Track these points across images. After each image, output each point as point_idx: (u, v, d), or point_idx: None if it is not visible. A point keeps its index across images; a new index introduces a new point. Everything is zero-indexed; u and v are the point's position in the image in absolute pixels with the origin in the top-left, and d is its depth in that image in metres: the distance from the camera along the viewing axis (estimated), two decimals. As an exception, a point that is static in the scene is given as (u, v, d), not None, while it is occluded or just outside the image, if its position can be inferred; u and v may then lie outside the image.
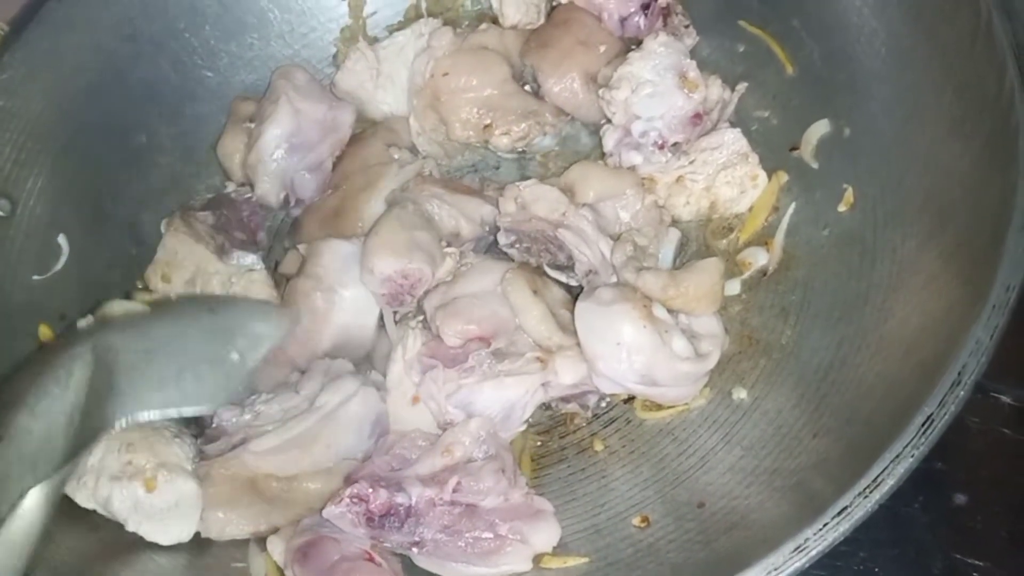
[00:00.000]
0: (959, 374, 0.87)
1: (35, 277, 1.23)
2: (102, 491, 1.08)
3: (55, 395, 0.94)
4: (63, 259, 1.26)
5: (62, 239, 1.27)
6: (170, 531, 1.09)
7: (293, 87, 1.36)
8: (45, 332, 1.22)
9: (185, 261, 1.30)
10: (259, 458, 1.11)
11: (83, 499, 1.09)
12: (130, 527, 1.08)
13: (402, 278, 1.19)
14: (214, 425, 1.16)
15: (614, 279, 1.18)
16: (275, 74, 1.39)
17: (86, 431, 0.94)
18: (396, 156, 1.35)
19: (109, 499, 1.08)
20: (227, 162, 1.39)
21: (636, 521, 1.07)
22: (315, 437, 1.11)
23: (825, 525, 0.83)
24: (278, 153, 1.34)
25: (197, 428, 1.18)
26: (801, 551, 0.83)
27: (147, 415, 0.99)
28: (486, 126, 1.35)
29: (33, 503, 0.87)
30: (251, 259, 1.31)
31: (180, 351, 1.04)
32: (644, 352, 1.08)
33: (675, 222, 1.28)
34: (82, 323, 1.19)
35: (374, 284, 1.20)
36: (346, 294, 1.22)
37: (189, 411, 1.03)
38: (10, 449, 0.90)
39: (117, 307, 1.22)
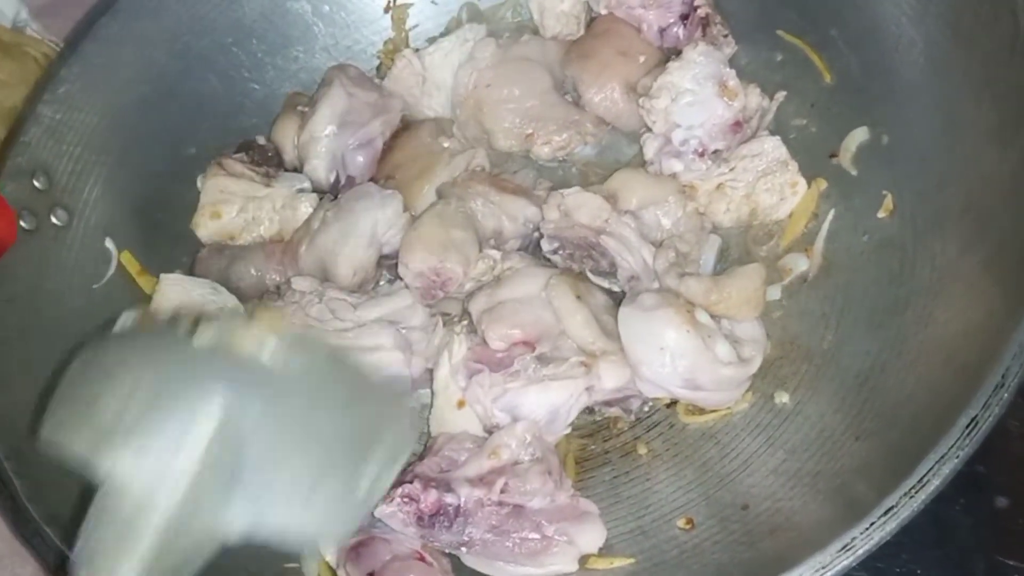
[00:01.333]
0: (1002, 377, 0.88)
1: (93, 286, 1.26)
2: None
3: (162, 452, 0.73)
4: (113, 265, 1.29)
5: (109, 243, 1.29)
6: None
7: (347, 76, 1.40)
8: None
9: (232, 196, 1.34)
10: None
11: None
12: None
13: (434, 275, 1.23)
14: (292, 287, 1.22)
15: (656, 285, 1.20)
16: (329, 69, 1.43)
17: (193, 524, 0.73)
18: (446, 145, 1.37)
19: None
20: (282, 143, 1.42)
21: (681, 523, 1.09)
22: None
23: (872, 525, 0.85)
24: (330, 129, 1.35)
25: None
26: (848, 550, 0.85)
27: (267, 532, 0.75)
28: (528, 136, 1.37)
29: None
30: (300, 179, 1.36)
31: (317, 454, 0.78)
32: (687, 356, 1.10)
33: (715, 229, 1.30)
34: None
35: (409, 277, 1.24)
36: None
37: (303, 544, 0.84)
38: (104, 510, 0.73)
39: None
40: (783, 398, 1.15)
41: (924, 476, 0.85)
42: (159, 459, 0.73)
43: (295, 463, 0.77)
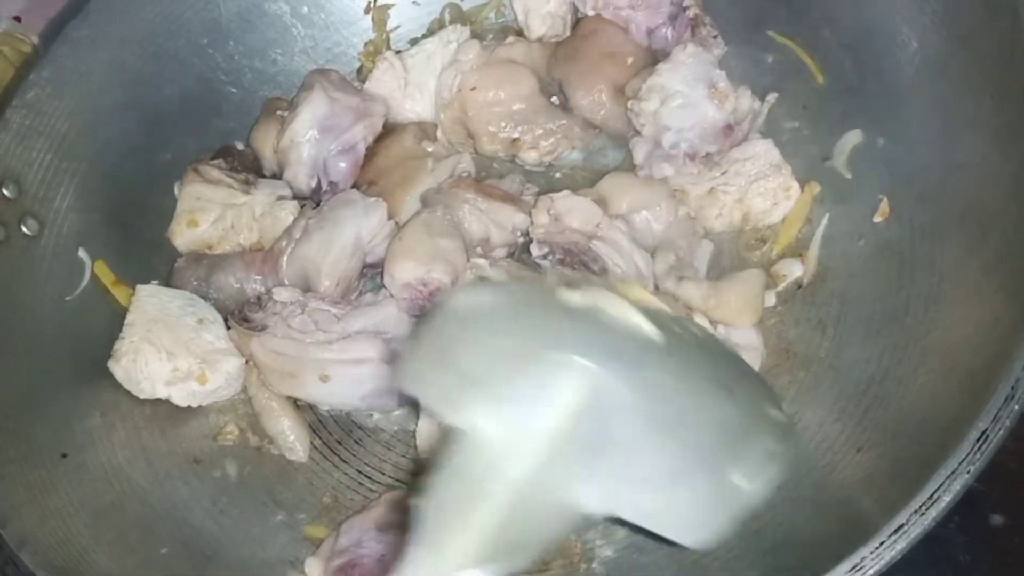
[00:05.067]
0: (1012, 388, 0.85)
1: (66, 298, 1.22)
2: (160, 392, 1.19)
3: (517, 418, 0.67)
4: (87, 276, 1.25)
5: (83, 253, 1.25)
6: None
7: (328, 80, 1.36)
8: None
9: (209, 204, 1.30)
10: (263, 350, 1.17)
11: (144, 395, 1.19)
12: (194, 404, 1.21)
13: (421, 285, 1.19)
14: (273, 298, 1.20)
15: (649, 290, 1.17)
16: (309, 73, 1.40)
17: (537, 492, 0.66)
18: (430, 149, 1.34)
19: (170, 396, 1.19)
20: (261, 149, 1.38)
21: (677, 538, 1.06)
22: (310, 371, 1.15)
23: (882, 544, 0.82)
24: (311, 134, 1.32)
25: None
26: (858, 570, 0.82)
27: (631, 508, 0.68)
28: (514, 140, 1.34)
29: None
30: (280, 186, 1.33)
31: (689, 443, 0.69)
32: (683, 362, 1.07)
33: (707, 234, 1.27)
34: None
35: (395, 288, 1.20)
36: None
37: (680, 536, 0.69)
38: (452, 472, 0.67)
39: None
40: (780, 408, 1.12)
41: (934, 493, 0.83)
42: (521, 419, 0.67)
43: (663, 450, 0.68)
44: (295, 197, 1.33)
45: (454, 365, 0.70)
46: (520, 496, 0.66)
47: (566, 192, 1.23)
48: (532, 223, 1.24)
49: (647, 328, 0.71)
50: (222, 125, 1.42)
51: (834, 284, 1.19)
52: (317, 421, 1.24)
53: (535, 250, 1.23)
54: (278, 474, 1.20)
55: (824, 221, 1.23)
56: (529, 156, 1.34)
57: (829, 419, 1.08)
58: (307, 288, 1.23)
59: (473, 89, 1.34)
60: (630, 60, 1.34)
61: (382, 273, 1.24)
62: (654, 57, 1.34)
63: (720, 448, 0.71)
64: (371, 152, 1.36)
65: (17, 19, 1.52)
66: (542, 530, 0.68)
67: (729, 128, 1.26)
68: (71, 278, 1.24)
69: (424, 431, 1.15)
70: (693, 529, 0.70)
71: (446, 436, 0.69)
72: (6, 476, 1.04)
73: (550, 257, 1.23)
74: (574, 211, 1.21)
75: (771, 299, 1.21)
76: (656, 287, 1.17)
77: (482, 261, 1.22)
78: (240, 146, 1.40)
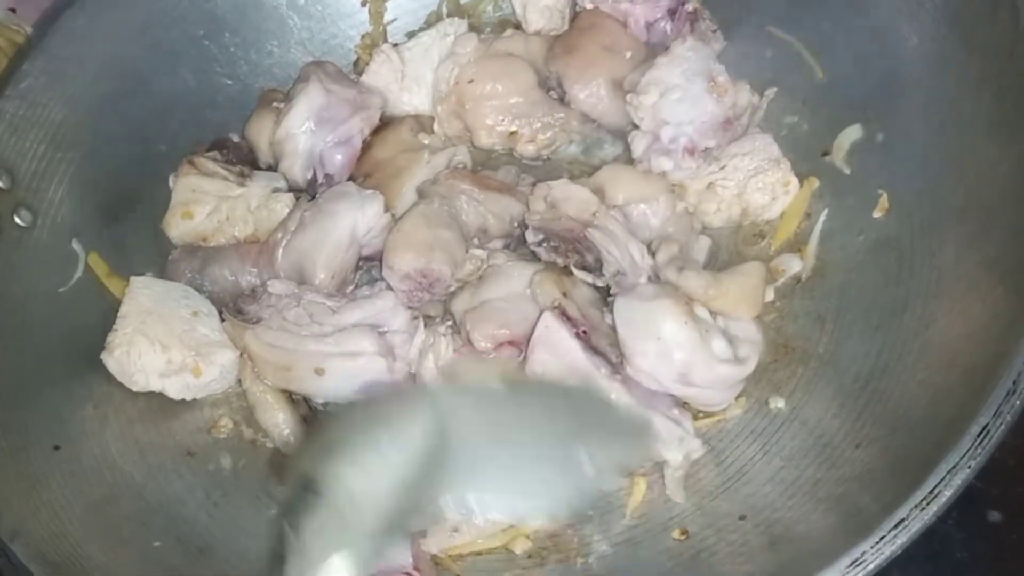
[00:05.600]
0: (1014, 383, 0.85)
1: (60, 290, 1.21)
2: (154, 385, 1.18)
3: (384, 452, 0.86)
4: (80, 267, 1.24)
5: (76, 244, 1.24)
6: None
7: (324, 72, 1.35)
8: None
9: (204, 196, 1.30)
10: (257, 343, 1.16)
11: (138, 388, 1.18)
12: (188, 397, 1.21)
13: (421, 277, 1.19)
14: (268, 291, 1.20)
15: (642, 281, 1.16)
16: (305, 66, 1.39)
17: (410, 503, 0.85)
18: (426, 142, 1.34)
19: (164, 389, 1.19)
20: (256, 141, 1.37)
21: (675, 534, 1.06)
22: (306, 364, 1.15)
23: (882, 538, 0.82)
24: (307, 126, 1.31)
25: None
26: (858, 564, 0.81)
27: (477, 505, 0.89)
28: (511, 133, 1.34)
29: (337, 570, 0.81)
30: (275, 178, 1.32)
31: (526, 438, 0.92)
32: (683, 349, 1.07)
33: (705, 229, 1.27)
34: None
35: (394, 280, 1.20)
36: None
37: (524, 517, 0.98)
38: (323, 504, 0.83)
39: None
40: (778, 403, 1.12)
41: (935, 487, 0.82)
42: (374, 463, 0.85)
43: (504, 444, 0.90)
44: (291, 189, 1.33)
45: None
46: (385, 513, 0.84)
47: (563, 180, 1.22)
48: (529, 210, 1.23)
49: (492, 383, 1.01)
50: (217, 117, 1.41)
51: (833, 279, 1.19)
52: (312, 414, 1.23)
53: (530, 237, 1.22)
54: (272, 467, 1.19)
55: (823, 216, 1.23)
56: (527, 150, 1.34)
57: (828, 415, 1.08)
58: (302, 281, 1.22)
59: (471, 82, 1.34)
60: (628, 54, 1.33)
61: (378, 266, 1.23)
62: (652, 51, 1.33)
63: (557, 441, 0.92)
64: (367, 144, 1.36)
65: (12, 10, 1.51)
66: (414, 521, 0.93)
67: (728, 122, 1.25)
68: (65, 269, 1.23)
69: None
70: (547, 511, 0.96)
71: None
72: (-2, 468, 1.03)
73: (545, 244, 1.22)
74: (571, 199, 1.20)
75: (770, 294, 1.20)
76: (656, 277, 1.16)
77: (481, 252, 1.21)
78: (236, 138, 1.39)
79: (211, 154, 1.33)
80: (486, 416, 0.93)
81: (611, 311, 1.14)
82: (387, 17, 1.48)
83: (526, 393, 1.03)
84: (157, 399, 1.19)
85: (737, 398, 1.14)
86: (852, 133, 1.23)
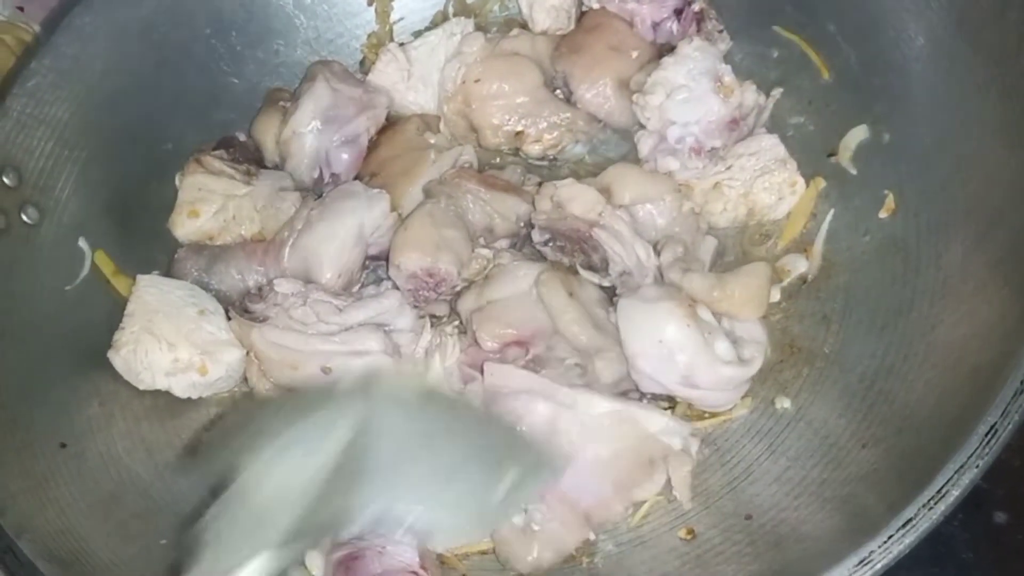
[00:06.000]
0: (1021, 383, 0.85)
1: (66, 288, 1.21)
2: (160, 383, 1.18)
3: (298, 456, 0.86)
4: (87, 266, 1.24)
5: (83, 242, 1.24)
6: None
7: (330, 71, 1.36)
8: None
9: (210, 194, 1.30)
10: (263, 342, 1.16)
11: (144, 386, 1.19)
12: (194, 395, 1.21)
13: (428, 276, 1.19)
14: (274, 289, 1.20)
15: (648, 281, 1.16)
16: (312, 65, 1.39)
17: (322, 510, 0.85)
18: (432, 141, 1.34)
19: (170, 387, 1.19)
20: (263, 139, 1.37)
21: (681, 533, 1.06)
22: (312, 363, 1.15)
23: (890, 538, 0.82)
24: (313, 125, 1.32)
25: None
26: (866, 564, 0.82)
27: (393, 518, 0.89)
28: (518, 133, 1.34)
29: (248, 571, 0.81)
30: (282, 177, 1.32)
31: (448, 457, 0.93)
32: (686, 351, 1.07)
33: (711, 229, 1.26)
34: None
35: (400, 279, 1.20)
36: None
37: (433, 533, 0.97)
38: (237, 502, 0.83)
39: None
40: (784, 403, 1.12)
41: (943, 487, 0.82)
42: (294, 461, 0.86)
43: (422, 466, 0.90)
44: (297, 188, 1.32)
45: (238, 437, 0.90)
46: (304, 514, 0.84)
47: (570, 180, 1.22)
48: (535, 210, 1.23)
49: (407, 395, 0.99)
50: (224, 115, 1.41)
51: (839, 279, 1.19)
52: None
53: (536, 236, 1.22)
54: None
55: (829, 216, 1.23)
56: (533, 149, 1.34)
57: (834, 415, 1.08)
58: (309, 279, 1.22)
59: (477, 82, 1.34)
60: (635, 54, 1.33)
61: (384, 265, 1.23)
62: (659, 51, 1.33)
63: (479, 467, 0.93)
64: (373, 144, 1.36)
65: (20, 8, 1.51)
66: (329, 530, 0.92)
67: (734, 122, 1.25)
68: (71, 267, 1.23)
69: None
70: (458, 531, 0.96)
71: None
72: (5, 465, 1.03)
73: (551, 244, 1.22)
74: (577, 198, 1.20)
75: (776, 294, 1.20)
76: (661, 277, 1.16)
77: (487, 252, 1.21)
78: (242, 137, 1.39)
79: (217, 153, 1.33)
80: (407, 426, 0.93)
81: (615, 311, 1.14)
82: (393, 16, 1.48)
83: (449, 409, 1.06)
84: (163, 397, 1.19)
85: (743, 398, 1.14)
86: (858, 133, 1.23)
